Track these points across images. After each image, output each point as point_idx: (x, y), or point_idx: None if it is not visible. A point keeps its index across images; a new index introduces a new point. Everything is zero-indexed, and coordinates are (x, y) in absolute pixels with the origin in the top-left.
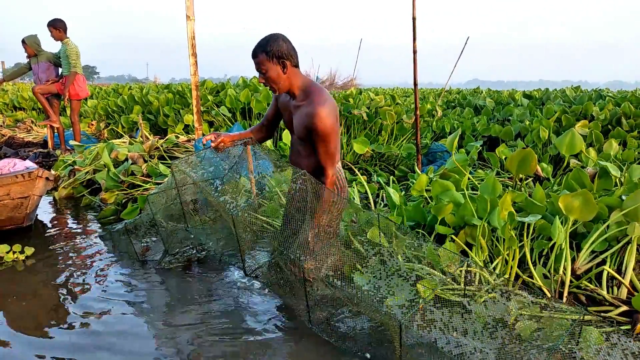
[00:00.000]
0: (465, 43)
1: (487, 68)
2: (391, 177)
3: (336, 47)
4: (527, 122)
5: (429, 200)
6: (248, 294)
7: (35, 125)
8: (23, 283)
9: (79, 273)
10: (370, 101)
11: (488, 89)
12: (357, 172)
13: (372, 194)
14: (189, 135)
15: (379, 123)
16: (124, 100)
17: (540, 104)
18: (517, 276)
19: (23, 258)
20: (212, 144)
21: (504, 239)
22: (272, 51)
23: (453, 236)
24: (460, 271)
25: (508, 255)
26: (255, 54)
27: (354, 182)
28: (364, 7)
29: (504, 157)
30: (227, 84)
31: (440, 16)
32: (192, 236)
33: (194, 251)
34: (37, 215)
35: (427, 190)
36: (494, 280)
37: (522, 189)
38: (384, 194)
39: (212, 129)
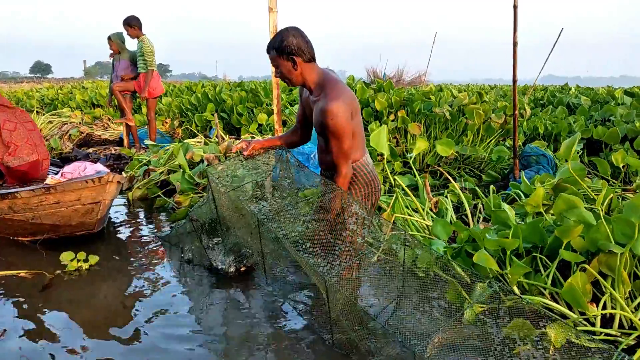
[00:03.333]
0: (559, 35)
1: (561, 63)
2: (491, 186)
3: (408, 43)
4: (638, 124)
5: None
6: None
7: (112, 122)
8: (83, 293)
9: (138, 283)
10: (452, 99)
11: (577, 86)
12: (450, 178)
13: (467, 204)
14: (264, 136)
15: (463, 122)
16: (197, 98)
17: None
18: None
19: (87, 267)
20: (245, 152)
21: None
22: (282, 48)
23: (585, 265)
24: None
25: None
26: (267, 51)
27: (446, 191)
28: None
29: (622, 165)
30: None
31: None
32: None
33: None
34: (109, 217)
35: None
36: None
37: None
38: (481, 205)
39: (285, 129)
